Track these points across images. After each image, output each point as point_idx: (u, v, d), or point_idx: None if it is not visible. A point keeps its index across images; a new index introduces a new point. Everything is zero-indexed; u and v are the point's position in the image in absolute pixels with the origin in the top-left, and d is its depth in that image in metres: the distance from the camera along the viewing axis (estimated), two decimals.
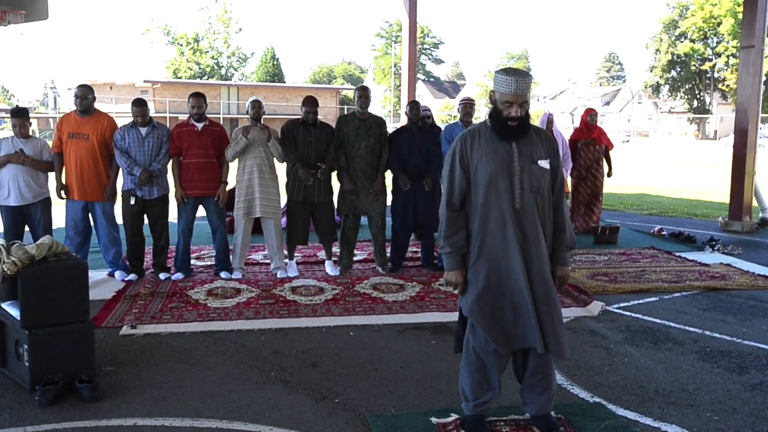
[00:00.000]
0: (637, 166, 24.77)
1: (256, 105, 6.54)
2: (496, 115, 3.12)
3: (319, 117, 6.67)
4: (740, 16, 12.63)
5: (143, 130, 6.31)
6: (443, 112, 59.33)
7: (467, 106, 7.05)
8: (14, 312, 3.95)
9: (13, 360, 4.01)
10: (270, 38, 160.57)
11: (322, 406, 3.71)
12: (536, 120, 8.90)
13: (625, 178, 18.31)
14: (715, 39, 58.79)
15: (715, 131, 57.85)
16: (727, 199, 10.24)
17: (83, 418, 3.53)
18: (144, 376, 4.11)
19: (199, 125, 6.42)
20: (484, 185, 3.15)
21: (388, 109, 63.77)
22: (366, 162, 6.61)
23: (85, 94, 6.26)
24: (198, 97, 6.45)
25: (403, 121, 8.41)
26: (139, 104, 6.35)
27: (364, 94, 6.67)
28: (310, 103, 6.61)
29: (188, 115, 6.52)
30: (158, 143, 6.36)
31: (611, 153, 9.45)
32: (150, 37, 61.13)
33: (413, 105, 6.97)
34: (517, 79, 2.98)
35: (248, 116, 6.56)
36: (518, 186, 3.14)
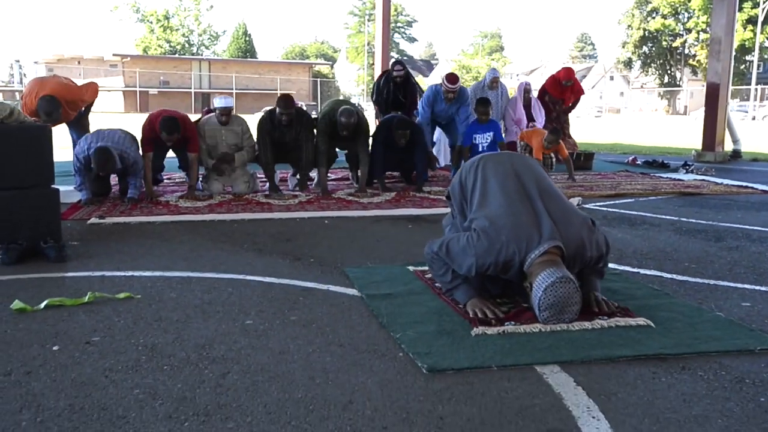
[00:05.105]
0: (608, 138, 24.90)
1: (226, 112, 5.97)
2: None
3: (293, 96, 6.40)
4: None
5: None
6: None
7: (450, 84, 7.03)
8: None
9: None
10: (242, 17, 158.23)
11: (298, 264, 3.62)
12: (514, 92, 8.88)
13: (597, 138, 18.40)
14: (686, 15, 59.22)
15: (686, 107, 58.29)
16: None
17: (49, 272, 3.41)
18: (113, 247, 3.99)
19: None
20: None
21: (361, 88, 63.41)
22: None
23: (49, 111, 5.38)
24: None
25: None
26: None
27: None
28: (285, 105, 5.99)
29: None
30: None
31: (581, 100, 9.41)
32: (119, 14, 60.13)
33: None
34: None
35: (216, 114, 6.01)
36: None
